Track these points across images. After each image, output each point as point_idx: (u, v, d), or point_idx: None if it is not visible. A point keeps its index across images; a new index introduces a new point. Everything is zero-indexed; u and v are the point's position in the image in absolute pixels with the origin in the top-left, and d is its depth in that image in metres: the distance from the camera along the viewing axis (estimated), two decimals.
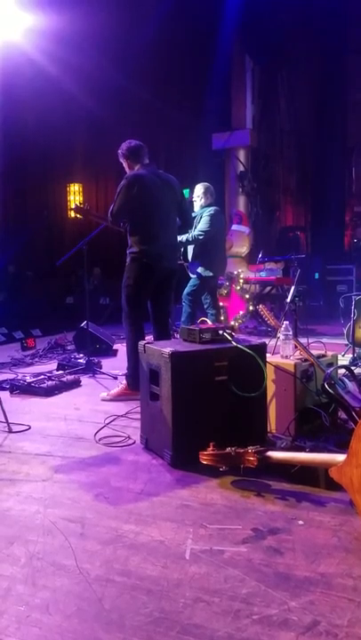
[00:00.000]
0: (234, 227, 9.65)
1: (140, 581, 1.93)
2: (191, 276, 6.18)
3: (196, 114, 10.66)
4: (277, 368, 3.37)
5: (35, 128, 10.68)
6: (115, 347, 6.54)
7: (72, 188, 13.11)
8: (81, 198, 13.11)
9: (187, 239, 5.89)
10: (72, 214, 4.68)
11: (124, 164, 4.53)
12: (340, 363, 3.91)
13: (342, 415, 3.34)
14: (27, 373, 5.30)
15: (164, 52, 10.38)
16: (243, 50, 10.88)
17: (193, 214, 6.08)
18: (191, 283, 6.12)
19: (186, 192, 6.63)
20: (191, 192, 6.37)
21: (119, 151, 4.50)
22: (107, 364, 5.76)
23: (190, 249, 6.06)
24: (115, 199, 4.31)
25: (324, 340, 5.11)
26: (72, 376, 5.07)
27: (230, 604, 1.79)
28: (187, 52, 10.72)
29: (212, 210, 6.00)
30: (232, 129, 11.07)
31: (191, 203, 6.19)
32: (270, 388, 3.37)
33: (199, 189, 6.16)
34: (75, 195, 13.12)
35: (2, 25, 6.91)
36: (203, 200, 6.12)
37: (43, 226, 11.97)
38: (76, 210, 4.95)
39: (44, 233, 12.22)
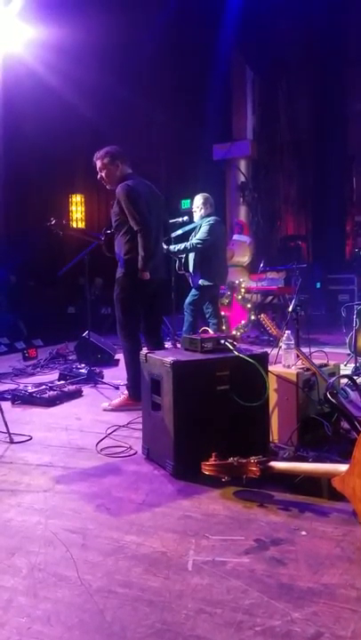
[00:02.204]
0: (235, 236, 9.67)
1: (142, 593, 1.92)
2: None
3: (196, 125, 10.71)
4: (279, 377, 3.36)
5: (36, 139, 10.71)
6: (116, 356, 6.53)
7: (74, 199, 13.15)
8: (83, 208, 13.14)
9: (185, 247, 5.91)
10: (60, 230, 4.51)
11: (108, 171, 4.34)
12: (342, 372, 3.90)
13: (345, 425, 3.33)
14: (28, 383, 5.29)
15: (165, 64, 10.45)
16: (243, 61, 10.96)
17: (192, 225, 6.11)
18: (193, 292, 6.12)
19: (187, 203, 6.66)
20: (192, 203, 6.39)
21: (105, 158, 4.32)
22: (108, 373, 5.75)
23: (191, 259, 6.06)
24: (128, 212, 4.17)
25: (326, 349, 5.09)
26: (73, 386, 5.06)
27: (233, 616, 1.78)
28: (187, 63, 10.78)
29: (211, 220, 6.02)
30: (233, 140, 11.13)
31: (191, 213, 6.21)
32: (272, 398, 3.36)
33: (198, 200, 6.18)
34: (77, 205, 13.16)
35: (3, 37, 6.97)
36: (202, 210, 6.14)
37: (45, 238, 12.00)
38: (56, 225, 4.72)
39: (45, 243, 12.25)
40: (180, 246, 5.88)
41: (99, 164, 4.40)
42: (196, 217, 6.17)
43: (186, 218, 6.16)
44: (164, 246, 5.77)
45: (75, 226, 13.10)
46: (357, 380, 3.60)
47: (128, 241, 4.28)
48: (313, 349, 4.60)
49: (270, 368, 3.35)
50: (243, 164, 11.16)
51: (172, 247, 5.92)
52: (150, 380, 3.21)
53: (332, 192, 11.46)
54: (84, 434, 3.82)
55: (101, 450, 3.44)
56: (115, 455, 3.36)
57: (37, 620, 1.79)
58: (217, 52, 10.13)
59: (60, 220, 4.59)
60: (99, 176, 4.44)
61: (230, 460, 2.62)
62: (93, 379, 5.40)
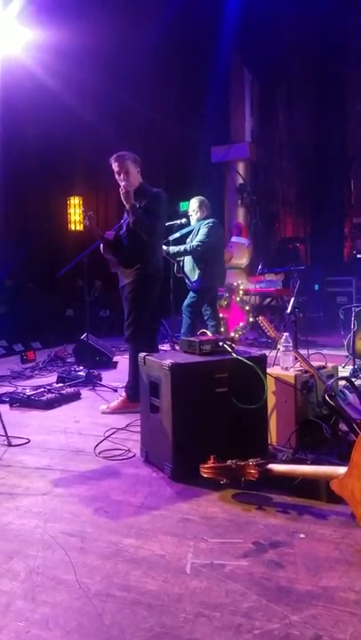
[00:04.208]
0: (233, 238, 9.68)
1: (141, 596, 1.91)
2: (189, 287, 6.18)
3: (195, 127, 10.72)
4: (278, 380, 3.36)
5: (35, 142, 10.72)
6: (115, 359, 6.53)
7: (72, 201, 13.16)
8: (81, 211, 13.15)
9: (184, 249, 5.90)
10: (83, 224, 4.42)
11: (133, 175, 4.37)
12: (340, 374, 3.90)
13: (343, 427, 3.32)
14: (26, 386, 5.29)
15: (164, 66, 10.45)
16: (241, 63, 10.97)
17: (190, 228, 6.11)
18: (191, 294, 6.12)
19: (185, 205, 6.66)
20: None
21: (132, 161, 4.36)
22: (107, 376, 5.75)
23: (189, 262, 6.06)
24: (162, 216, 4.40)
25: (325, 351, 5.09)
26: (72, 389, 5.05)
27: (232, 619, 1.77)
28: (186, 65, 10.80)
29: (209, 222, 6.01)
30: (231, 142, 11.14)
31: (188, 216, 6.21)
32: (271, 400, 3.36)
33: (194, 203, 6.18)
34: (75, 207, 13.18)
35: (2, 39, 6.96)
36: (198, 214, 6.14)
37: (44, 240, 12.01)
38: (90, 218, 4.62)
39: (44, 245, 12.26)
40: (180, 248, 5.88)
41: (123, 166, 4.35)
42: (193, 220, 6.17)
43: (184, 220, 6.16)
44: (164, 248, 5.81)
45: (73, 228, 13.13)
46: (356, 383, 3.60)
47: (147, 244, 4.35)
48: (311, 351, 4.61)
49: (269, 370, 3.35)
50: (241, 167, 11.17)
51: (171, 249, 5.91)
52: (149, 382, 3.20)
53: (330, 194, 11.47)
54: (83, 436, 3.81)
55: (100, 453, 3.44)
56: (113, 458, 3.36)
57: (36, 624, 1.78)
58: (216, 54, 10.14)
59: (92, 215, 4.62)
60: (120, 177, 4.38)
61: (229, 462, 2.62)
62: (92, 381, 5.40)
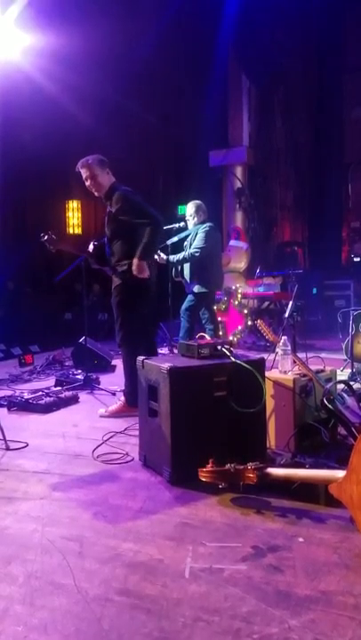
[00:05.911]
0: (232, 242, 9.69)
1: (140, 600, 1.91)
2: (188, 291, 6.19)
3: (193, 131, 10.75)
4: (276, 383, 3.36)
5: (33, 146, 10.72)
6: (113, 362, 6.52)
7: (71, 205, 13.18)
8: (79, 214, 13.18)
9: (183, 257, 5.91)
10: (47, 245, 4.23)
11: (100, 178, 4.30)
12: (338, 378, 3.90)
13: (342, 431, 3.33)
14: (24, 390, 5.28)
15: (162, 71, 10.49)
16: (239, 69, 11.01)
17: (187, 232, 6.12)
18: (189, 298, 6.13)
19: (183, 209, 6.66)
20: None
21: (97, 166, 4.28)
22: (105, 379, 5.74)
23: (187, 266, 6.07)
24: (139, 211, 4.19)
25: (323, 355, 5.10)
26: (70, 392, 5.05)
27: (230, 624, 1.77)
28: (184, 70, 10.83)
29: (206, 226, 6.02)
30: (229, 146, 11.17)
31: (185, 220, 6.23)
32: (269, 404, 3.36)
33: (191, 208, 6.19)
34: (73, 211, 13.20)
35: (0, 43, 6.98)
36: (195, 218, 6.14)
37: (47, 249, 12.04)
38: (49, 241, 4.47)
39: (42, 249, 12.28)
40: (179, 256, 5.91)
41: (88, 172, 4.32)
42: (190, 225, 6.17)
43: (182, 224, 6.17)
44: (163, 256, 5.82)
45: (72, 232, 13.15)
46: (354, 386, 3.60)
47: (127, 247, 4.28)
48: (309, 355, 4.61)
49: (267, 374, 3.35)
50: (239, 171, 11.18)
51: (171, 258, 5.94)
52: (147, 386, 3.20)
53: (328, 198, 11.52)
54: (81, 440, 3.81)
55: (98, 456, 3.43)
56: (112, 462, 3.35)
57: (34, 629, 1.77)
58: (214, 60, 10.17)
59: (51, 235, 4.46)
60: (88, 184, 4.36)
61: (227, 466, 2.62)
62: (90, 385, 5.39)
